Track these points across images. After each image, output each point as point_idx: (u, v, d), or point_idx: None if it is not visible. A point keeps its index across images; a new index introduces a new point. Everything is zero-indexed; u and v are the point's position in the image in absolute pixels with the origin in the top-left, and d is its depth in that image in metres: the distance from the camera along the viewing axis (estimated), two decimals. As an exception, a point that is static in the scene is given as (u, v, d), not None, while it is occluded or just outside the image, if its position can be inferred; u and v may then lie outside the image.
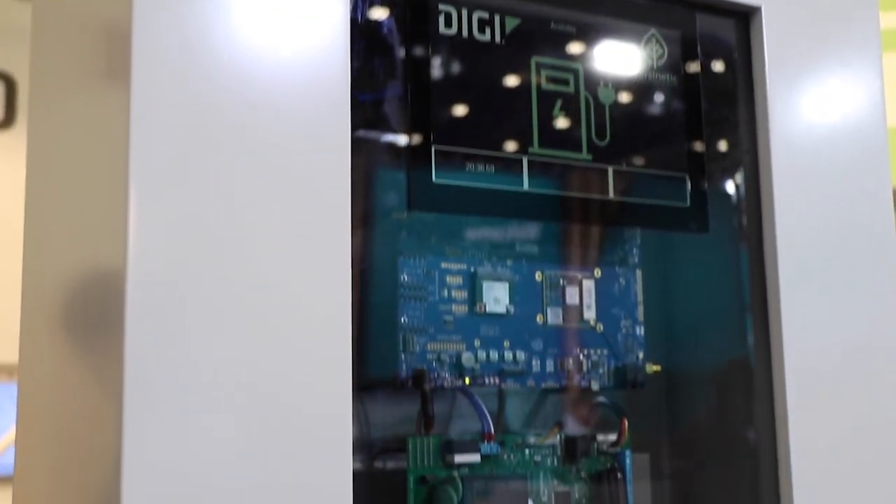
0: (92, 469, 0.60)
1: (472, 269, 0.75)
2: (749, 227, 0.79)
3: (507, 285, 0.75)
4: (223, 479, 0.57)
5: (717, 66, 0.84)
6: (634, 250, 0.82)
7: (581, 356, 0.78)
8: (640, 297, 0.81)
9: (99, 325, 0.61)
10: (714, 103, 0.82)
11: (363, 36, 0.69)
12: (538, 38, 0.74)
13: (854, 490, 0.78)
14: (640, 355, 0.80)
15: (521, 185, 0.72)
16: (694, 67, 0.81)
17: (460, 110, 0.72)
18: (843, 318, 0.80)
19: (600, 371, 0.78)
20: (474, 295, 0.74)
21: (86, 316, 0.64)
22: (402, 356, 0.72)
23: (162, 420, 0.55)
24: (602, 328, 0.79)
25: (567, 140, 0.74)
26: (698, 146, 0.80)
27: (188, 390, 0.56)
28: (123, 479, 0.54)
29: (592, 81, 0.76)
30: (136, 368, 0.55)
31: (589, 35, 0.77)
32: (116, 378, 0.55)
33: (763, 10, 0.79)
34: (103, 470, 0.57)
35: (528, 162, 0.72)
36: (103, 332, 0.59)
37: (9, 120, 2.79)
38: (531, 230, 0.78)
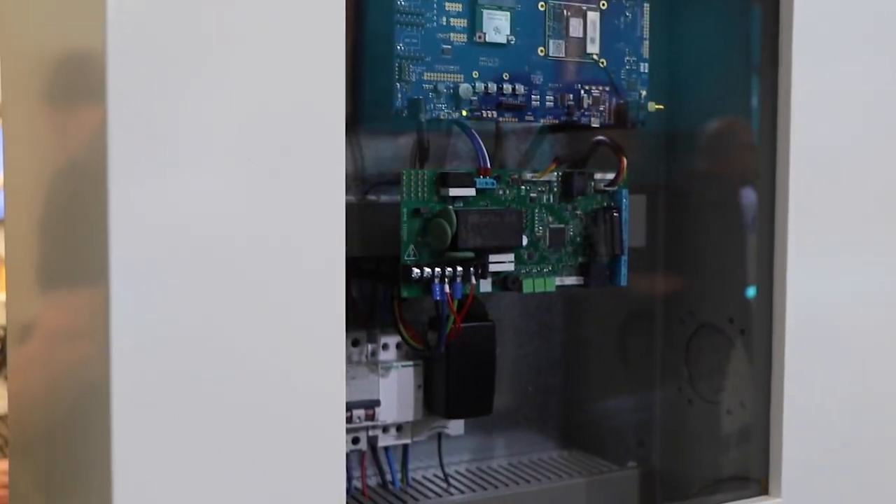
0: (80, 226, 0.59)
1: (473, -4, 0.71)
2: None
3: (508, 14, 0.72)
4: (210, 235, 0.56)
5: None
6: (643, -18, 0.78)
7: (582, 91, 0.75)
8: (646, 33, 0.77)
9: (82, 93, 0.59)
10: None
11: None
12: None
13: (844, 249, 0.78)
14: (643, 93, 0.77)
15: None
16: None
17: None
18: (856, 85, 0.78)
19: (601, 108, 0.76)
20: (474, 23, 0.71)
21: (68, 87, 0.62)
22: (398, 85, 0.69)
23: (149, 179, 0.54)
24: (605, 63, 0.76)
25: None
26: None
27: (176, 150, 0.55)
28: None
29: None
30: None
31: None
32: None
33: None
34: (91, 225, 0.56)
35: None
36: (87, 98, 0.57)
37: None
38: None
